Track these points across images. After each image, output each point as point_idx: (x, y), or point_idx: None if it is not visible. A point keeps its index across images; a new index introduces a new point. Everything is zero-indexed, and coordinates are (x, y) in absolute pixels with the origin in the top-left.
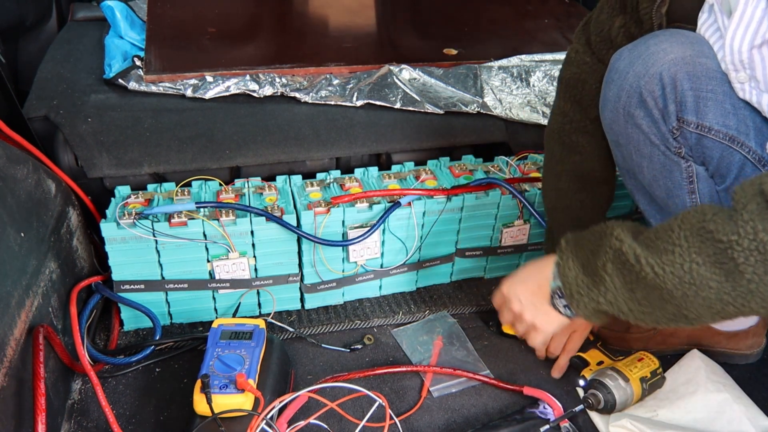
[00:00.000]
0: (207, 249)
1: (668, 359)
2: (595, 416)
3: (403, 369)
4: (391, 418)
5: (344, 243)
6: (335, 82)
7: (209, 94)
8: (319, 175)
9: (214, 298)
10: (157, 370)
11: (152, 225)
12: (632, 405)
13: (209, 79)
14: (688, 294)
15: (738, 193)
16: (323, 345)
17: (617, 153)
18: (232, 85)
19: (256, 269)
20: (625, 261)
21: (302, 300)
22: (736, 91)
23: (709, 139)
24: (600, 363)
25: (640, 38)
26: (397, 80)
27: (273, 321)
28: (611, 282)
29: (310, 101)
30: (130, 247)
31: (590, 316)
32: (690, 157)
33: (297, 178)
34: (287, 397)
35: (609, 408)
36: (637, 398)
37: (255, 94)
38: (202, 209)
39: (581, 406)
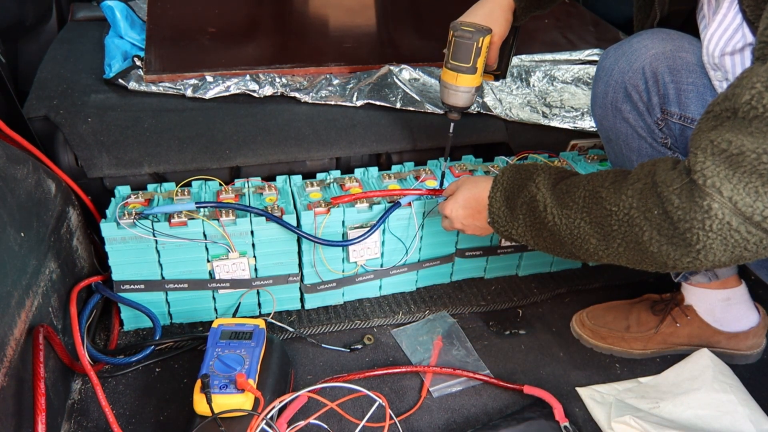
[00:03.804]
0: (207, 249)
1: (669, 359)
2: (597, 413)
3: (403, 369)
4: (391, 418)
5: (344, 243)
6: (335, 82)
7: (209, 94)
8: (319, 175)
9: (214, 298)
10: (157, 370)
11: (152, 225)
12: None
13: (209, 79)
14: (575, 244)
15: (636, 169)
16: (323, 345)
17: (609, 150)
18: (232, 85)
19: (256, 269)
20: (535, 207)
21: (302, 300)
22: (716, 87)
23: (691, 130)
24: None
25: (626, 38)
26: (397, 80)
27: (273, 321)
28: (523, 220)
29: (310, 101)
30: (130, 247)
31: (506, 239)
32: (675, 148)
33: (297, 178)
34: (287, 397)
35: None
36: None
37: (255, 94)
38: (202, 209)
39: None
